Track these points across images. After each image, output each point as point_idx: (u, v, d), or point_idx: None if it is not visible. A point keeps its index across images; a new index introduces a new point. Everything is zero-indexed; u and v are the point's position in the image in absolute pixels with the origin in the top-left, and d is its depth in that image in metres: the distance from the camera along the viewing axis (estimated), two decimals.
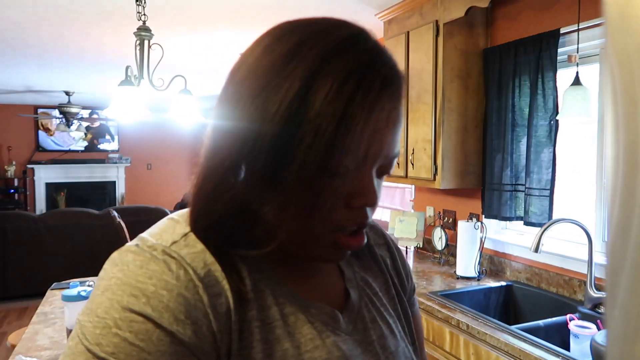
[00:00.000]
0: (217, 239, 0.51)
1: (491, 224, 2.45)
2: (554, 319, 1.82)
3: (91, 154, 8.50)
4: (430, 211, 2.93)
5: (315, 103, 0.46)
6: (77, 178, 8.35)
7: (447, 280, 2.34)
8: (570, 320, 1.72)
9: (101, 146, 8.59)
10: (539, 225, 2.03)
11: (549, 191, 2.04)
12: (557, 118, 1.97)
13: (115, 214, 4.10)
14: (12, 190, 7.61)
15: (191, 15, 2.98)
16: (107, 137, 8.62)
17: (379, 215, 3.74)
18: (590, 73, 1.97)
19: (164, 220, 0.55)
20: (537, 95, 2.08)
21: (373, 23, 2.80)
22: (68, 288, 1.88)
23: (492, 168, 2.32)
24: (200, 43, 3.71)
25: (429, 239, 2.83)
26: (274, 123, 0.46)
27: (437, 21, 2.36)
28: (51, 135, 8.20)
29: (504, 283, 2.26)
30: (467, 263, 2.35)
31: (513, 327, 1.69)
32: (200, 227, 0.52)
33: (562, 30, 2.00)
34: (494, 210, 2.31)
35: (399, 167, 2.62)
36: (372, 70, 0.48)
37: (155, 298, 0.46)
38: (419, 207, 3.07)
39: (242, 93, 0.49)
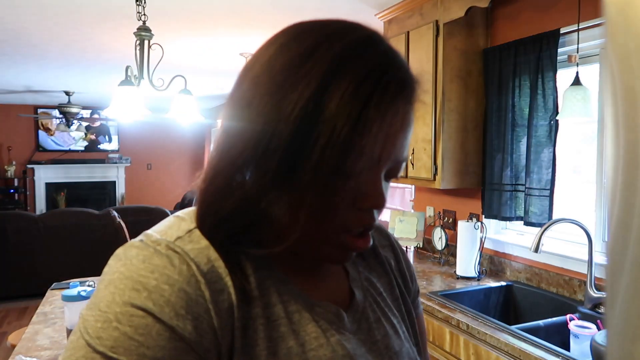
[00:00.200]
0: (223, 236, 0.51)
1: (491, 224, 2.45)
2: (554, 319, 1.82)
3: (91, 154, 8.51)
4: (430, 211, 2.93)
5: (331, 103, 0.46)
6: (77, 178, 8.35)
7: (447, 280, 2.34)
8: (570, 320, 1.72)
9: (101, 146, 8.60)
10: (539, 225, 2.03)
11: (549, 191, 2.04)
12: (557, 118, 1.97)
13: (115, 214, 4.10)
14: (12, 190, 7.61)
15: (191, 15, 2.98)
16: (107, 137, 8.62)
17: None
18: (590, 73, 1.97)
19: (170, 217, 0.55)
20: (537, 95, 2.08)
21: (373, 23, 2.77)
22: (68, 288, 1.88)
23: (492, 168, 2.32)
24: (201, 43, 3.71)
25: (429, 239, 2.83)
26: (289, 122, 0.46)
27: (437, 21, 2.36)
28: (51, 135, 8.20)
29: (504, 283, 2.26)
30: (467, 263, 2.35)
31: (513, 327, 1.69)
32: (207, 223, 0.51)
33: (562, 30, 2.00)
34: (494, 210, 2.31)
35: None
36: (388, 73, 0.48)
37: (156, 292, 0.46)
38: (419, 207, 3.07)
39: (257, 91, 0.49)
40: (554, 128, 2.02)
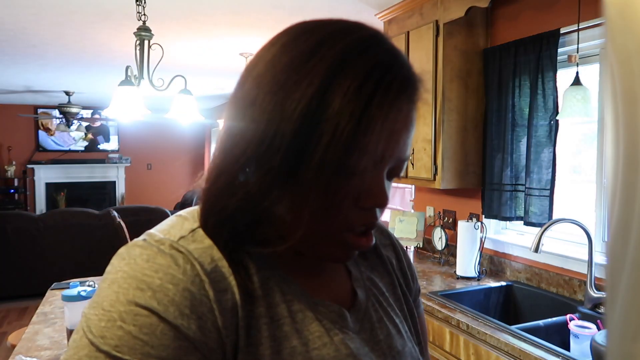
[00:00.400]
0: (226, 235, 0.51)
1: (491, 224, 2.45)
2: (554, 319, 1.82)
3: (91, 154, 8.51)
4: (430, 211, 2.93)
5: (334, 102, 0.46)
6: (77, 178, 8.35)
7: (447, 280, 2.34)
8: (570, 320, 1.72)
9: (101, 146, 8.60)
10: (539, 225, 2.03)
11: (549, 191, 2.04)
12: (557, 118, 1.97)
13: (115, 214, 4.10)
14: (12, 190, 7.61)
15: (191, 15, 2.98)
16: (107, 137, 8.62)
17: None
18: (590, 73, 1.97)
19: (172, 217, 0.55)
20: (537, 95, 2.08)
21: (373, 23, 2.78)
22: (68, 288, 1.88)
23: (492, 168, 2.32)
24: (201, 43, 3.72)
25: (429, 239, 2.83)
26: (292, 121, 0.46)
27: (437, 21, 2.36)
28: (51, 135, 8.20)
29: (504, 283, 2.26)
30: (467, 263, 2.35)
31: (513, 327, 1.69)
32: (210, 223, 0.51)
33: (562, 30, 2.00)
34: (494, 210, 2.31)
35: None
36: (391, 71, 0.48)
37: (161, 292, 0.46)
38: (419, 207, 3.07)
39: (259, 90, 0.49)
40: (554, 128, 2.02)
